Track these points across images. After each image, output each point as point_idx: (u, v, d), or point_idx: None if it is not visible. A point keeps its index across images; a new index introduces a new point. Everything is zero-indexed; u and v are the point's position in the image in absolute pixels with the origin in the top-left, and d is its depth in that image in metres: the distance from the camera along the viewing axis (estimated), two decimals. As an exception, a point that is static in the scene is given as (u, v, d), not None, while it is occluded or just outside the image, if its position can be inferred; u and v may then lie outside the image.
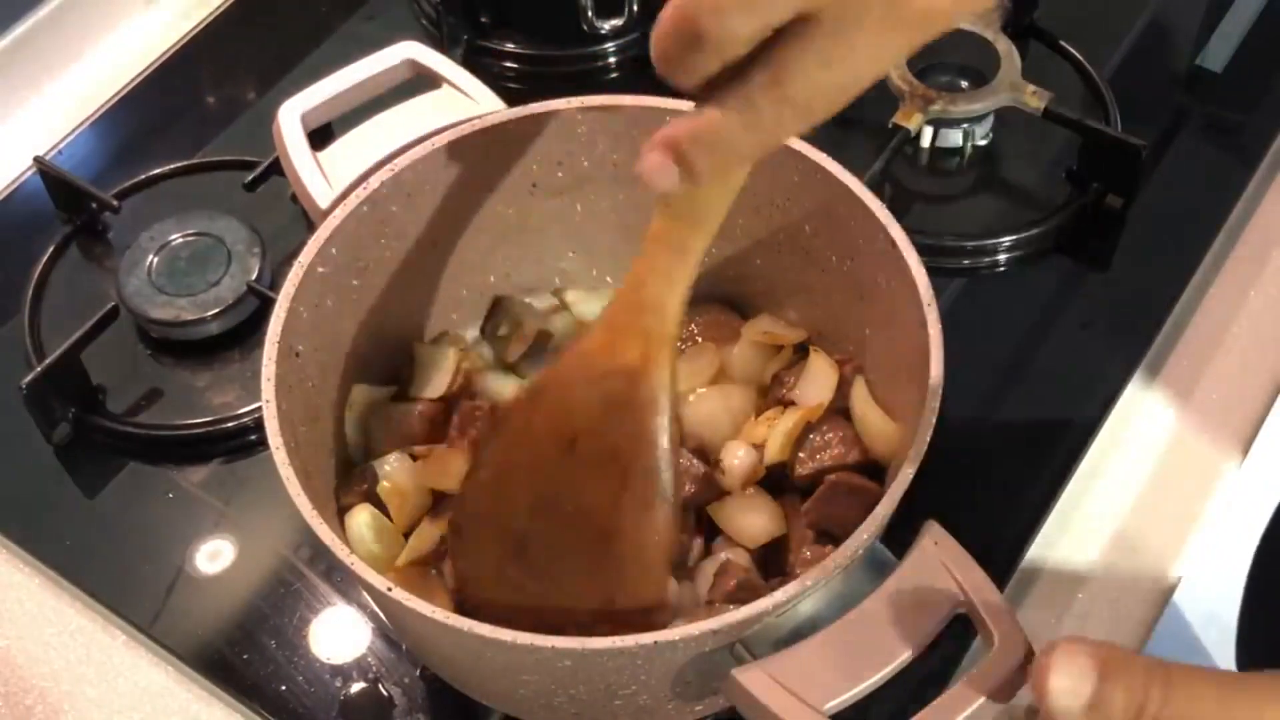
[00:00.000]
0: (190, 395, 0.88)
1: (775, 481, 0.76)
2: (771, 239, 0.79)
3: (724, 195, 0.58)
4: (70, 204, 0.96)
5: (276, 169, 0.89)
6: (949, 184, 0.98)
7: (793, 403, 0.76)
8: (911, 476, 0.63)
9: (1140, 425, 0.87)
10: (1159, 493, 0.85)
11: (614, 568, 0.65)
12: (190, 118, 1.04)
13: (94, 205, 0.95)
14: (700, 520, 0.74)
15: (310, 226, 0.74)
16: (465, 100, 0.79)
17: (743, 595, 0.68)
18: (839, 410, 0.76)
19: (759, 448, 0.75)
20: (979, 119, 0.96)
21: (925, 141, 0.97)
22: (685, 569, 0.72)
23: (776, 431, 0.75)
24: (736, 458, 0.74)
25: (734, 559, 0.71)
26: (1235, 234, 0.95)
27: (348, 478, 0.76)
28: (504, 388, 0.79)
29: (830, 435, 0.74)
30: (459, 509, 0.69)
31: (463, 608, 0.67)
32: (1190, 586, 0.82)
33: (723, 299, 0.83)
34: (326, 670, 0.77)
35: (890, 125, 0.93)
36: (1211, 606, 1.52)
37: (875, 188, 0.81)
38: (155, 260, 0.90)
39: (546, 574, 0.66)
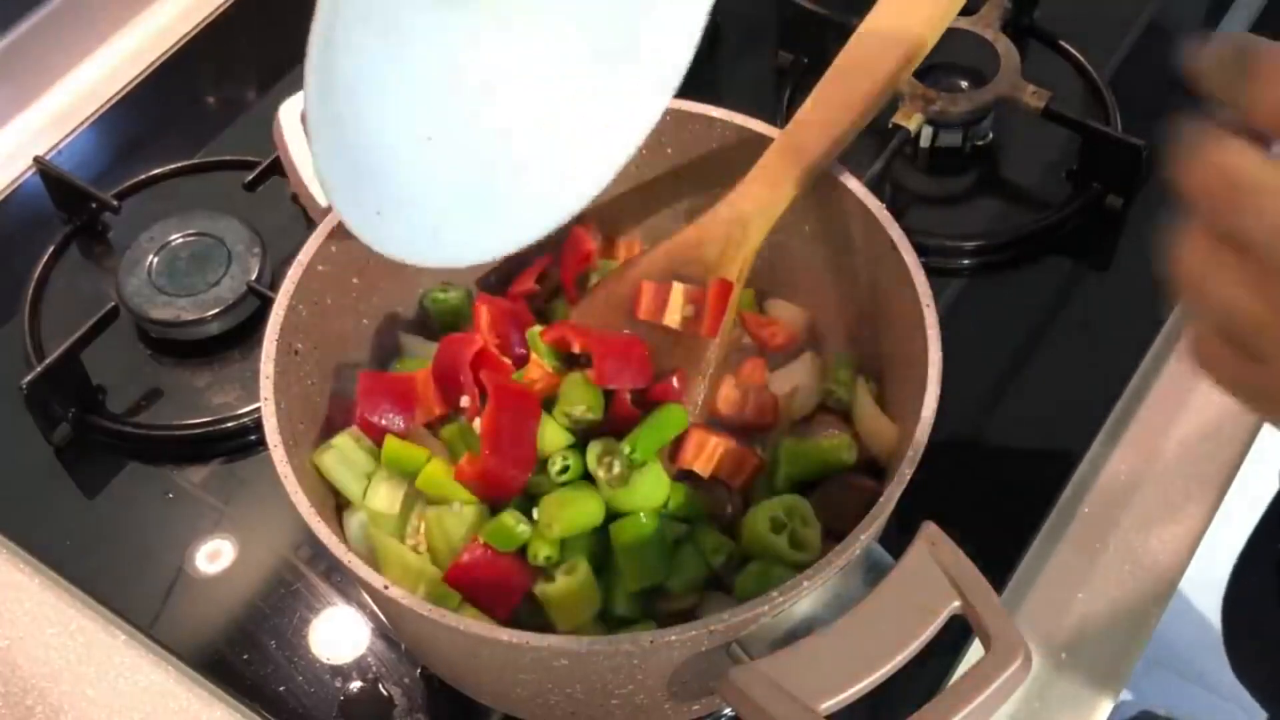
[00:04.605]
0: (190, 395, 0.88)
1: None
2: (771, 239, 0.79)
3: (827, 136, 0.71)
4: (70, 204, 0.96)
5: (276, 169, 0.89)
6: (949, 184, 0.98)
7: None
8: (909, 477, 0.63)
9: (1140, 425, 0.87)
10: (1157, 493, 0.85)
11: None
12: (190, 118, 1.04)
13: (94, 205, 0.95)
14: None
15: (310, 226, 0.74)
16: (465, 100, 0.79)
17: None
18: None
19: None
20: (979, 119, 0.96)
21: (925, 141, 0.97)
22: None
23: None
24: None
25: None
26: (1235, 234, 0.95)
27: (347, 477, 0.76)
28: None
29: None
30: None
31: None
32: (1189, 587, 0.82)
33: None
34: (326, 670, 0.77)
35: (890, 125, 0.93)
36: (1208, 608, 1.52)
37: (875, 188, 0.81)
38: (155, 260, 0.90)
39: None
